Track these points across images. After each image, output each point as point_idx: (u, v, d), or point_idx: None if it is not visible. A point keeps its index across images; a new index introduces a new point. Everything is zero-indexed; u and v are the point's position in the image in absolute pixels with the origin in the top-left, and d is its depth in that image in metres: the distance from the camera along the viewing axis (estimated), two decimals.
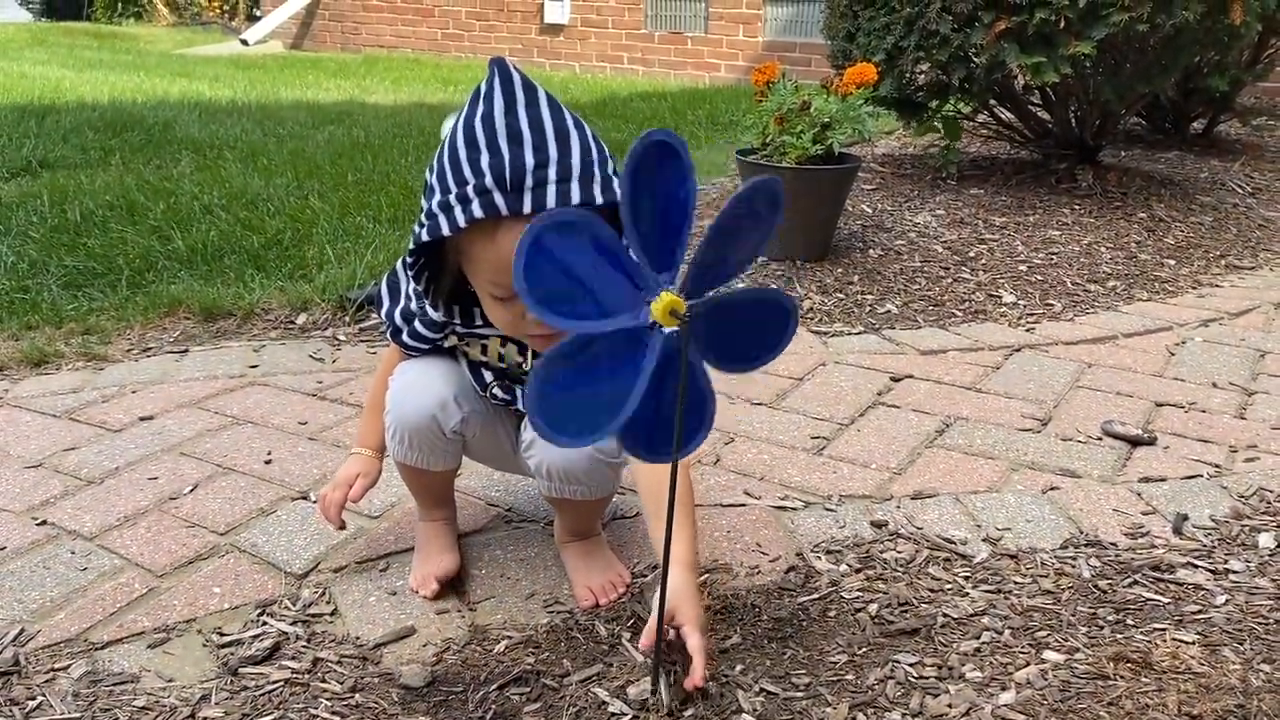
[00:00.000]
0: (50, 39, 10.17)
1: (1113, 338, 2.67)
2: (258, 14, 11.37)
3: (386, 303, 1.56)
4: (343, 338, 2.64)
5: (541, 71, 8.72)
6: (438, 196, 1.32)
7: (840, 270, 3.15)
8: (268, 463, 1.98)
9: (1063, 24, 3.43)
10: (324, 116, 5.68)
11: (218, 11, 12.67)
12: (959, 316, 2.84)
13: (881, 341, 2.65)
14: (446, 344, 1.56)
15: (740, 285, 1.39)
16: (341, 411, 2.21)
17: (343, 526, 1.63)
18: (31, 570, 1.62)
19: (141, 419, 2.16)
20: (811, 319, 2.79)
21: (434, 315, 1.48)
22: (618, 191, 1.20)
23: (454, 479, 1.69)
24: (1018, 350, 2.58)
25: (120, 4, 12.81)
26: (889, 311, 2.86)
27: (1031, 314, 2.85)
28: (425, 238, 1.33)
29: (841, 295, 2.97)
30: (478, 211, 1.28)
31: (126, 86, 6.65)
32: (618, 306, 1.22)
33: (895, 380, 2.40)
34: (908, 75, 3.86)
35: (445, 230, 1.31)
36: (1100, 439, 2.11)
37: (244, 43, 10.31)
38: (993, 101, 4.16)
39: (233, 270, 3.01)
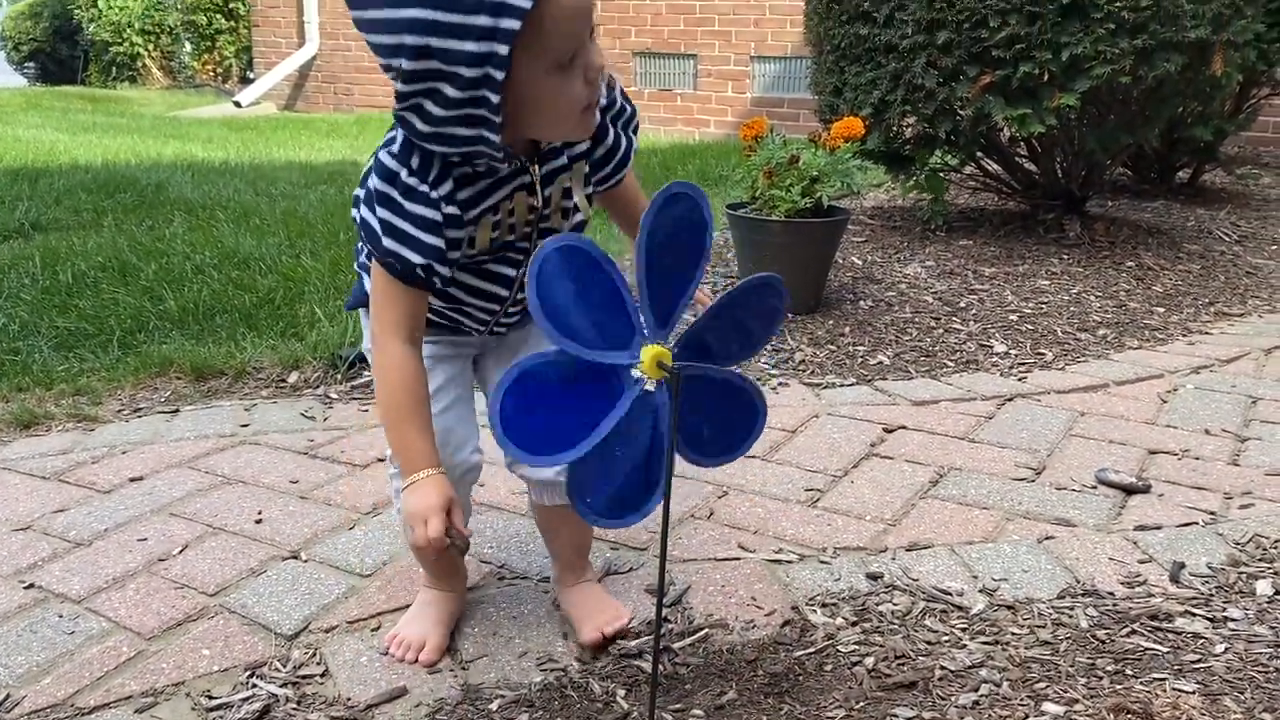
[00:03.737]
0: (45, 103, 10.26)
1: (1104, 386, 2.67)
2: (251, 76, 11.49)
3: (404, 250, 1.30)
4: (334, 395, 2.63)
5: None
6: (451, 49, 1.15)
7: (832, 322, 3.15)
8: (258, 522, 1.96)
9: (1046, 77, 3.48)
10: (316, 176, 5.72)
11: (211, 74, 12.81)
12: (951, 367, 2.84)
13: (874, 392, 2.65)
14: (463, 249, 1.35)
15: (727, 369, 1.39)
16: (333, 470, 2.20)
17: (467, 546, 1.37)
18: (18, 635, 1.60)
19: (131, 480, 2.15)
20: (804, 371, 2.79)
21: (460, 209, 1.31)
22: None
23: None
24: (1010, 400, 2.58)
25: (114, 68, 12.94)
26: (881, 362, 2.87)
27: (1023, 363, 2.86)
28: (489, 93, 1.17)
29: (833, 347, 2.97)
30: (510, 21, 1.14)
31: (120, 149, 6.70)
32: (612, 341, 1.23)
33: (888, 431, 2.39)
34: (895, 129, 3.90)
35: (500, 64, 1.15)
36: (1095, 487, 2.10)
37: (237, 104, 10.41)
38: (979, 153, 4.21)
39: (224, 329, 3.01)
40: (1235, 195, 5.12)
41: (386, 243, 1.29)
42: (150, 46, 12.66)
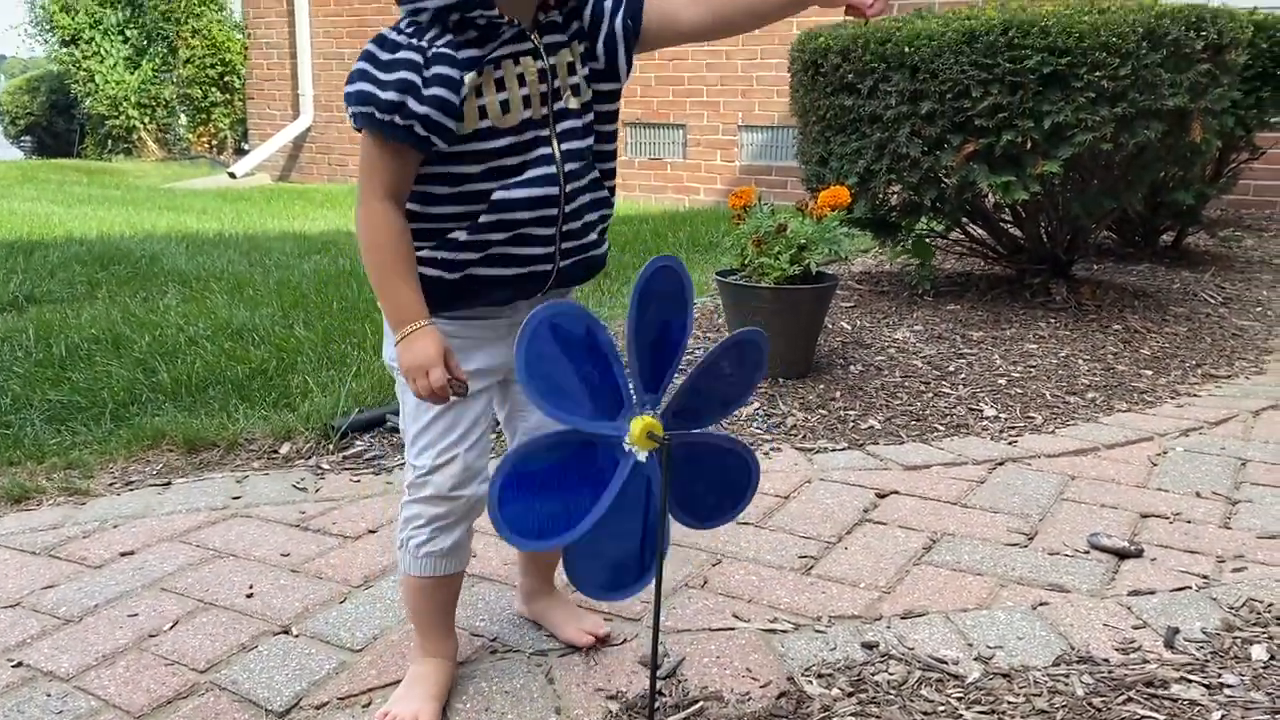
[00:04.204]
0: (41, 176, 10.35)
1: (1095, 449, 2.68)
2: (246, 147, 11.62)
3: (373, 87, 1.34)
4: (326, 466, 2.63)
5: None
6: None
7: (822, 387, 3.17)
8: (249, 596, 1.95)
9: (1029, 145, 3.54)
10: (310, 246, 5.76)
11: (206, 146, 12.95)
12: (941, 431, 2.85)
13: (866, 457, 2.65)
14: (463, 121, 1.37)
15: (715, 432, 1.41)
16: (324, 542, 2.19)
17: (466, 389, 1.40)
18: (5, 715, 1.58)
19: (122, 554, 2.14)
20: (796, 436, 2.80)
21: (452, 50, 1.34)
22: None
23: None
24: (1001, 464, 2.59)
25: (110, 140, 13.08)
26: (872, 427, 2.88)
27: (1013, 427, 2.87)
28: None
29: (825, 411, 2.98)
30: None
31: (115, 221, 6.75)
32: (600, 411, 1.25)
33: (881, 497, 2.40)
34: (881, 196, 3.96)
35: None
36: (1087, 552, 2.10)
37: (232, 176, 10.50)
38: (965, 219, 4.26)
39: (217, 401, 3.01)
40: (1219, 257, 5.18)
41: (359, 86, 1.33)
42: (146, 119, 12.81)
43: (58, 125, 14.34)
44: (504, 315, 1.52)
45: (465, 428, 1.51)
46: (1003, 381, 3.25)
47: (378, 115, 1.34)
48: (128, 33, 12.64)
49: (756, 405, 3.00)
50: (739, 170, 8.31)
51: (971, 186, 3.70)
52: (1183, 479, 2.48)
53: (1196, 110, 3.66)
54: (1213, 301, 4.28)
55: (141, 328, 3.70)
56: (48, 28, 12.96)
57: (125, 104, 12.63)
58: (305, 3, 10.26)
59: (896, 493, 2.42)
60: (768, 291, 3.16)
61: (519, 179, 1.42)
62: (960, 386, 3.20)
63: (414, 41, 1.35)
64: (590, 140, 1.50)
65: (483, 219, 1.42)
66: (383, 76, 1.34)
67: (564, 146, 1.44)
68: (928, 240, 4.27)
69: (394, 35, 1.37)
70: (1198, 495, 2.39)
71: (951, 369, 3.36)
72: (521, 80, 1.40)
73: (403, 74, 1.33)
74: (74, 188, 9.36)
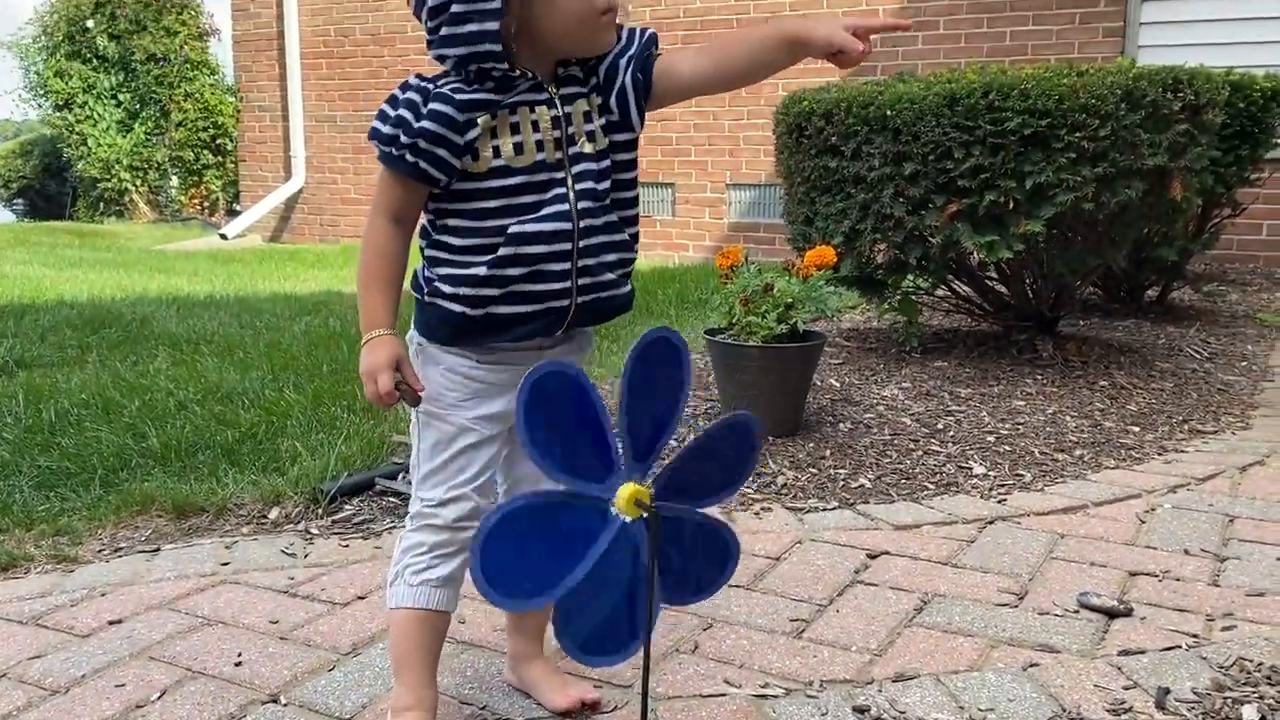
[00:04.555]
0: (32, 238, 10.38)
1: (1083, 507, 2.69)
2: (238, 209, 11.68)
3: (378, 121, 1.50)
4: (315, 531, 2.63)
5: None
6: None
7: (812, 445, 3.18)
8: (238, 665, 1.94)
9: (1012, 205, 3.59)
10: (301, 307, 5.78)
11: (197, 208, 13.02)
12: (931, 489, 2.86)
13: (856, 517, 2.66)
14: (468, 157, 1.49)
15: (703, 511, 1.42)
16: (313, 609, 2.18)
17: (417, 397, 1.52)
18: None
19: (110, 622, 2.13)
20: (786, 495, 2.81)
21: (470, 96, 1.46)
22: None
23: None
24: (991, 522, 2.60)
25: (102, 203, 13.14)
26: (862, 486, 2.89)
27: (1002, 485, 2.88)
28: (487, 2, 1.40)
29: (815, 470, 2.99)
30: None
31: (106, 283, 6.77)
32: (590, 473, 1.26)
33: (872, 557, 2.40)
34: (867, 255, 4.00)
35: None
36: (1077, 611, 2.10)
37: (223, 237, 10.55)
38: (951, 277, 4.30)
39: (206, 466, 3.01)
40: (1204, 312, 5.23)
41: (374, 120, 1.49)
42: (138, 182, 12.88)
43: (50, 188, 14.43)
44: (529, 361, 1.57)
45: (477, 470, 1.58)
46: (991, 439, 3.26)
47: (379, 146, 1.49)
48: (121, 97, 12.75)
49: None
50: (727, 227, 8.40)
51: (956, 245, 3.75)
52: (1171, 536, 2.49)
53: (1176, 169, 3.73)
54: (1198, 356, 4.32)
55: (131, 392, 3.70)
56: (42, 92, 13.08)
57: (117, 167, 12.71)
58: (297, 66, 10.40)
59: (887, 553, 2.42)
60: (756, 350, 3.18)
61: (534, 215, 1.51)
62: (949, 444, 3.22)
63: (424, 84, 1.48)
64: (607, 184, 1.57)
65: (501, 252, 1.49)
66: (390, 113, 1.48)
67: (579, 186, 1.52)
68: (914, 297, 4.31)
69: (414, 79, 1.50)
70: (1186, 552, 2.39)
71: (940, 426, 3.38)
72: (535, 126, 1.51)
73: (402, 112, 1.47)
74: (66, 250, 9.39)
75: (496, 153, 1.49)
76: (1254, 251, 6.61)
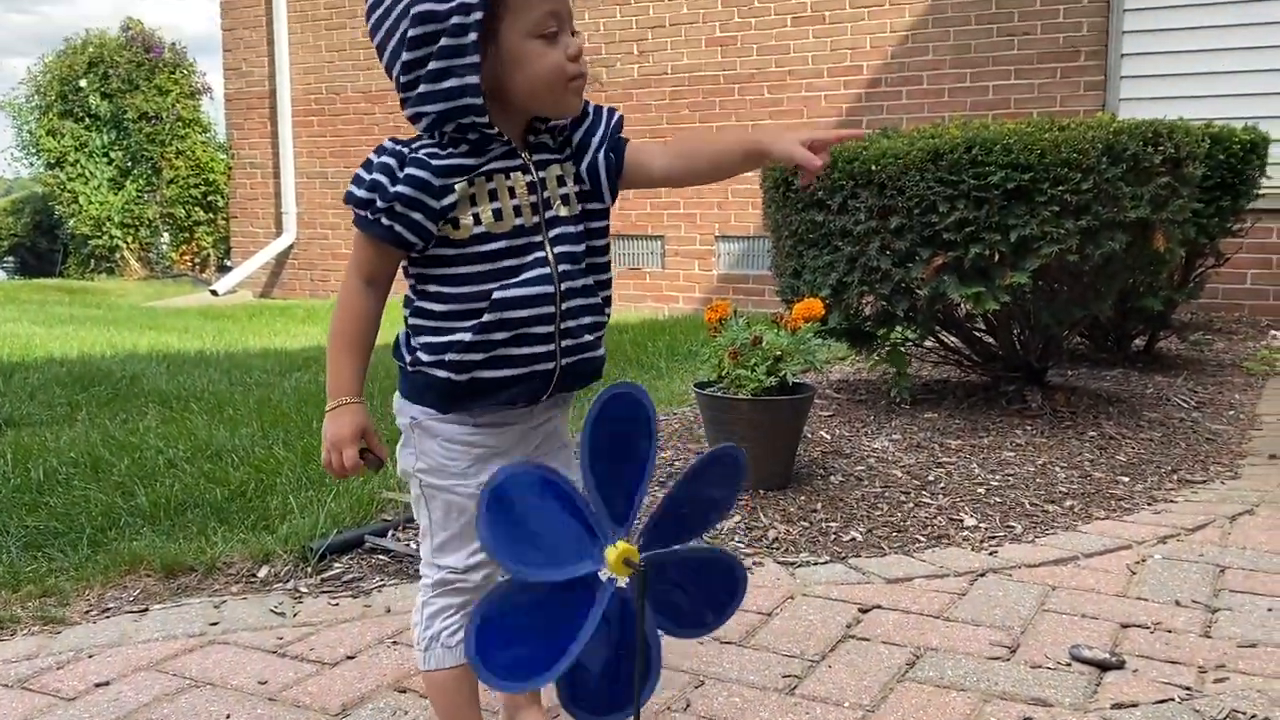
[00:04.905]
0: (23, 296, 10.39)
1: (1074, 558, 2.69)
2: (229, 264, 11.72)
3: (353, 185, 1.51)
4: (304, 589, 2.61)
5: None
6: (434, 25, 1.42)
7: (803, 498, 3.18)
8: None
9: (997, 257, 3.63)
10: (291, 363, 5.78)
11: (188, 264, 13.06)
12: (922, 542, 2.86)
13: (848, 571, 2.65)
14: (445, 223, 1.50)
15: (695, 544, 1.42)
16: (301, 669, 2.17)
17: (381, 464, 1.56)
18: None
19: (97, 685, 2.10)
20: (778, 549, 2.80)
21: (447, 162, 1.48)
22: None
23: None
24: (982, 575, 2.60)
25: (93, 260, 13.18)
26: (854, 539, 2.88)
27: (993, 536, 2.88)
28: (466, 57, 1.42)
29: (806, 524, 2.99)
30: None
31: (96, 341, 6.77)
32: (573, 555, 1.25)
33: (863, 611, 2.39)
34: (855, 307, 4.03)
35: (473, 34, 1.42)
36: (1069, 664, 2.10)
37: (214, 293, 10.57)
38: (938, 328, 4.33)
39: (195, 524, 3.00)
40: (1191, 361, 5.27)
41: (350, 187, 1.50)
42: (129, 239, 12.94)
43: (41, 245, 14.47)
44: (522, 421, 1.60)
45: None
46: (982, 490, 3.27)
47: (354, 209, 1.50)
48: (113, 154, 12.84)
49: (738, 519, 3.01)
50: (716, 279, 8.45)
51: (943, 297, 3.78)
52: (1162, 587, 2.49)
53: (1159, 221, 3.77)
54: (1186, 406, 4.34)
55: (121, 450, 3.69)
56: (34, 151, 13.17)
57: (109, 224, 12.76)
58: (289, 123, 10.48)
59: (879, 606, 2.41)
60: (745, 403, 3.19)
61: (516, 279, 1.52)
62: (940, 496, 3.22)
63: (399, 149, 1.49)
64: (583, 247, 1.59)
65: (485, 318, 1.50)
66: (365, 176, 1.49)
67: (557, 249, 1.54)
68: (903, 349, 4.33)
69: (389, 143, 1.51)
70: (1177, 604, 2.39)
71: (931, 478, 3.39)
72: (512, 192, 1.52)
73: (377, 176, 1.48)
74: (56, 307, 9.40)
75: (477, 220, 1.50)
76: (1239, 300, 6.67)
